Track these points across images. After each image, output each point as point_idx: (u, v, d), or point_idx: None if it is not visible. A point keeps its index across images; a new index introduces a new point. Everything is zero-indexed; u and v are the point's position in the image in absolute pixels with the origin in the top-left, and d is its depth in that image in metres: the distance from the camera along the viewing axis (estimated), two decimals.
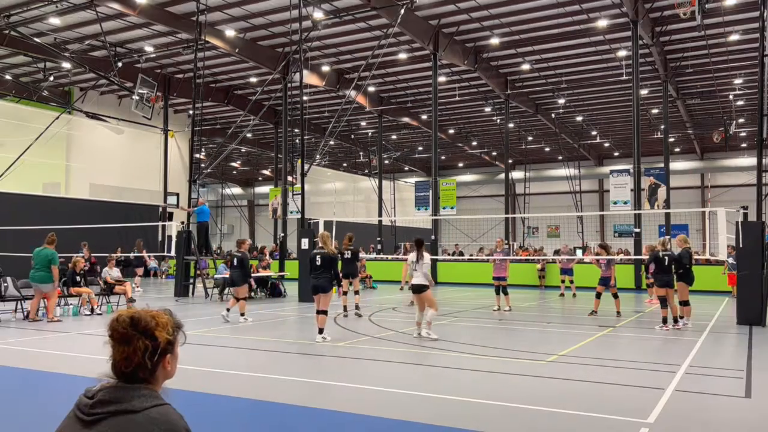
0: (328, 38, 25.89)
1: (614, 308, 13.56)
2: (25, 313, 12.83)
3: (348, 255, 13.87)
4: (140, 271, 22.38)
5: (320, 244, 10.14)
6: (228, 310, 12.41)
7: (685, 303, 11.82)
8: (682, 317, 11.52)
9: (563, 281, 19.73)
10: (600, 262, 14.22)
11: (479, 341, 9.80)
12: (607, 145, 43.21)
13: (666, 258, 11.49)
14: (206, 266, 20.46)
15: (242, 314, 12.35)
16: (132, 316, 1.77)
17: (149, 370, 1.75)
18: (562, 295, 19.21)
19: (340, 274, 15.84)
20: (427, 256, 10.09)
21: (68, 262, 14.23)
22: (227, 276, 17.69)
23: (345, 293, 13.79)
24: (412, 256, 10.18)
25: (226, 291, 18.01)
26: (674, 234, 28.78)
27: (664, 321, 11.39)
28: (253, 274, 18.60)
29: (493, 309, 14.69)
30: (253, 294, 18.53)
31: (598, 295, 13.84)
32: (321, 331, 9.76)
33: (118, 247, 22.53)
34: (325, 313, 9.84)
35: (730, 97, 31.28)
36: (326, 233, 10.42)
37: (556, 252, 24.08)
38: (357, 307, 13.52)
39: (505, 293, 14.54)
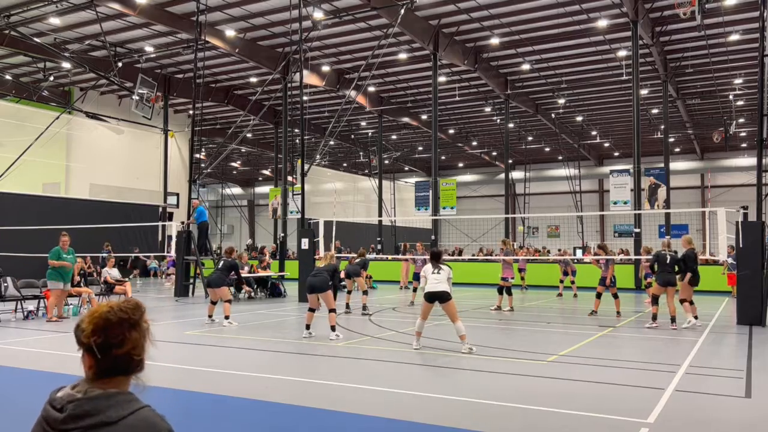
0: (328, 38, 25.88)
1: (614, 308, 13.56)
2: (26, 313, 12.85)
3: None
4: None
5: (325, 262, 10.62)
6: (226, 317, 11.73)
7: (689, 302, 11.91)
8: (673, 318, 11.50)
9: (562, 281, 19.73)
10: (600, 262, 14.24)
11: (479, 341, 9.79)
12: (607, 145, 43.21)
13: (669, 257, 11.52)
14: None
15: (210, 316, 11.92)
16: (136, 302, 1.73)
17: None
18: (560, 295, 19.21)
19: (342, 273, 16.10)
20: (446, 267, 9.02)
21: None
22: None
23: (349, 292, 14.50)
24: (427, 268, 9.07)
25: None
26: (675, 234, 28.82)
27: (654, 318, 11.52)
28: (253, 274, 18.65)
29: (491, 308, 14.83)
30: (253, 294, 18.55)
31: (599, 295, 13.86)
32: (333, 328, 9.93)
33: (113, 244, 22.36)
34: (333, 311, 10.05)
35: (730, 97, 31.28)
36: (331, 254, 10.88)
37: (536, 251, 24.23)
38: (364, 308, 13.98)
39: (509, 293, 14.62)
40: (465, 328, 8.84)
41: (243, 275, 17.90)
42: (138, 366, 1.67)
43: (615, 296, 13.67)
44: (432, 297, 8.76)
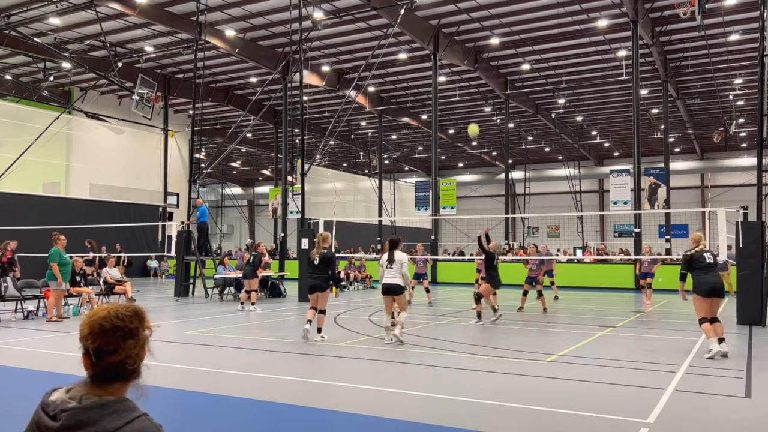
0: (328, 38, 25.89)
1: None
2: (26, 313, 12.86)
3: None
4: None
5: (321, 244, 9.87)
6: (242, 304, 14.61)
7: (480, 299, 12.19)
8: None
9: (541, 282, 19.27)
10: (531, 262, 14.66)
11: (479, 341, 9.80)
12: (607, 145, 43.20)
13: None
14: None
15: (252, 303, 14.46)
16: (136, 309, 1.68)
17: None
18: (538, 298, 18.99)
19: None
20: (400, 255, 9.37)
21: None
22: (227, 276, 17.81)
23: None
24: (383, 260, 9.45)
25: (225, 291, 18.07)
26: (675, 234, 28.70)
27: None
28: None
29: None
30: None
31: (525, 293, 14.61)
32: (320, 330, 9.74)
33: (113, 244, 22.44)
34: (323, 312, 9.77)
35: (730, 97, 31.28)
36: (326, 233, 10.23)
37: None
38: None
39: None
40: (406, 319, 9.51)
41: (239, 276, 18.04)
42: (133, 374, 1.63)
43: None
44: (385, 290, 9.33)
